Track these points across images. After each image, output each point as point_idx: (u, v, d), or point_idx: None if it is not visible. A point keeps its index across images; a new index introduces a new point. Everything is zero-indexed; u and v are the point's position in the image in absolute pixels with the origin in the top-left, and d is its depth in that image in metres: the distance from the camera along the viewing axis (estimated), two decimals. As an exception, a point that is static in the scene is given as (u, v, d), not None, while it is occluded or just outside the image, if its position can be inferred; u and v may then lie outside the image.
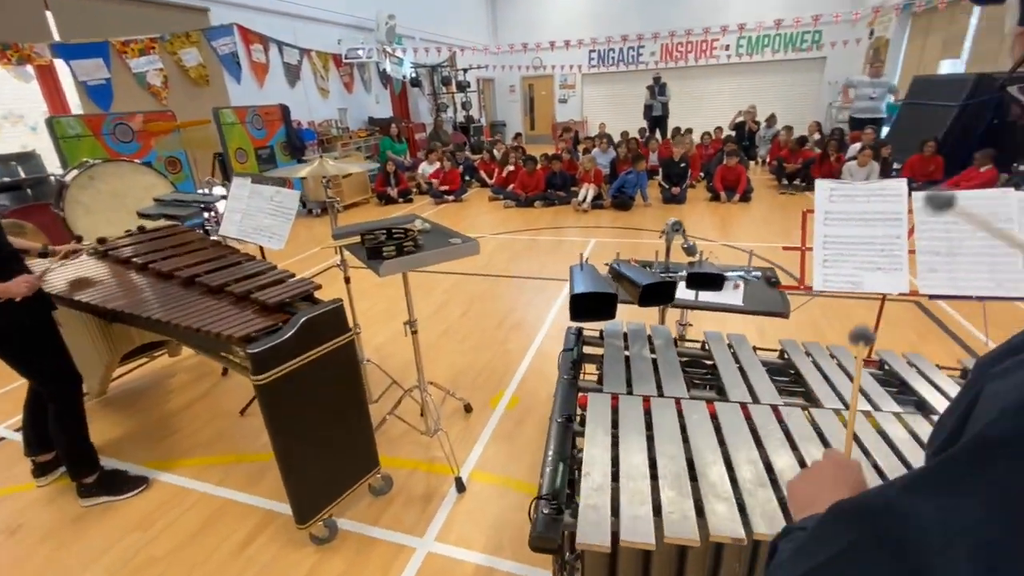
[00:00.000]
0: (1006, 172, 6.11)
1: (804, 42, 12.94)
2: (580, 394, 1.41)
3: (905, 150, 7.30)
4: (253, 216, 2.51)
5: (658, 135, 10.38)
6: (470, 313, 4.01)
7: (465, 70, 12.74)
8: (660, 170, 7.97)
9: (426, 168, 8.86)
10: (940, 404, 1.31)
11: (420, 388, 2.33)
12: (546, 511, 1.02)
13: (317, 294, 1.92)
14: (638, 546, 0.92)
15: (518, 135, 11.46)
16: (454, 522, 1.94)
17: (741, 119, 10.11)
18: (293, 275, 2.04)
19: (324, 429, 1.80)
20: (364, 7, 9.87)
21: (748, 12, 12.97)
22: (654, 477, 1.07)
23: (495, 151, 9.57)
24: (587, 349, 1.70)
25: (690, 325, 2.16)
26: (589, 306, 1.54)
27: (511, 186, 8.02)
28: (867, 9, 11.81)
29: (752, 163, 9.65)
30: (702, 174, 8.81)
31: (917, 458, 1.09)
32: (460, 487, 2.10)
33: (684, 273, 1.69)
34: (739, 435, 1.19)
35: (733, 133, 9.99)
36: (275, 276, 2.05)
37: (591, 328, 1.73)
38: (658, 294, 1.61)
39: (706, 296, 1.89)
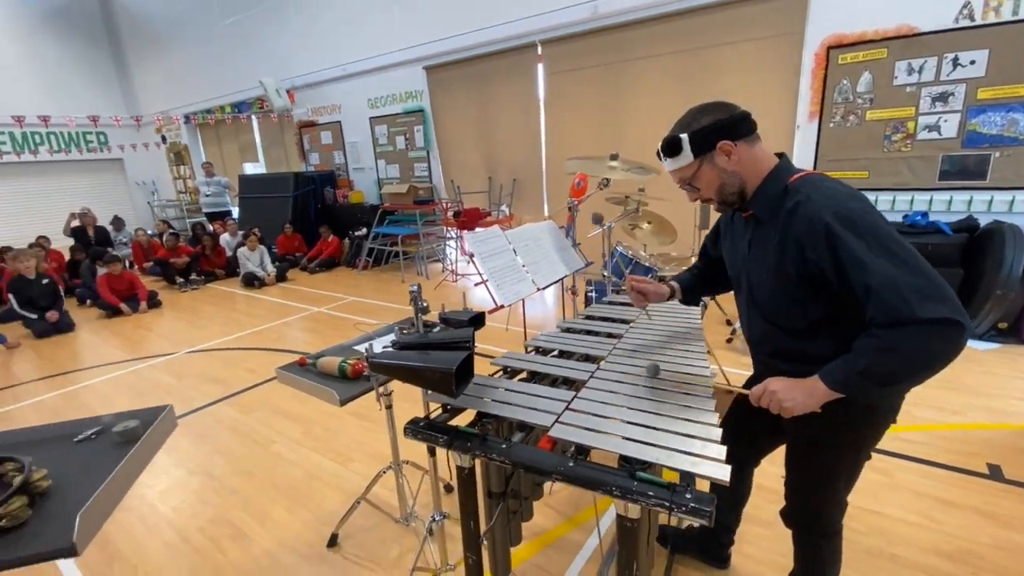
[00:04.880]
0: (347, 238, 8.56)
1: (91, 142, 12.07)
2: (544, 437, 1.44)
3: (271, 232, 8.68)
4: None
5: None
6: None
7: None
8: (12, 297, 5.69)
9: None
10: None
11: None
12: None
13: None
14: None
15: None
16: None
17: (77, 223, 8.45)
18: None
19: None
20: None
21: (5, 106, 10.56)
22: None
23: None
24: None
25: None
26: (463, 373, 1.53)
27: None
28: (150, 116, 12.40)
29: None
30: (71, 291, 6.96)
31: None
32: None
33: (466, 321, 1.90)
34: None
35: (72, 240, 8.23)
36: None
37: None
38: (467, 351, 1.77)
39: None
